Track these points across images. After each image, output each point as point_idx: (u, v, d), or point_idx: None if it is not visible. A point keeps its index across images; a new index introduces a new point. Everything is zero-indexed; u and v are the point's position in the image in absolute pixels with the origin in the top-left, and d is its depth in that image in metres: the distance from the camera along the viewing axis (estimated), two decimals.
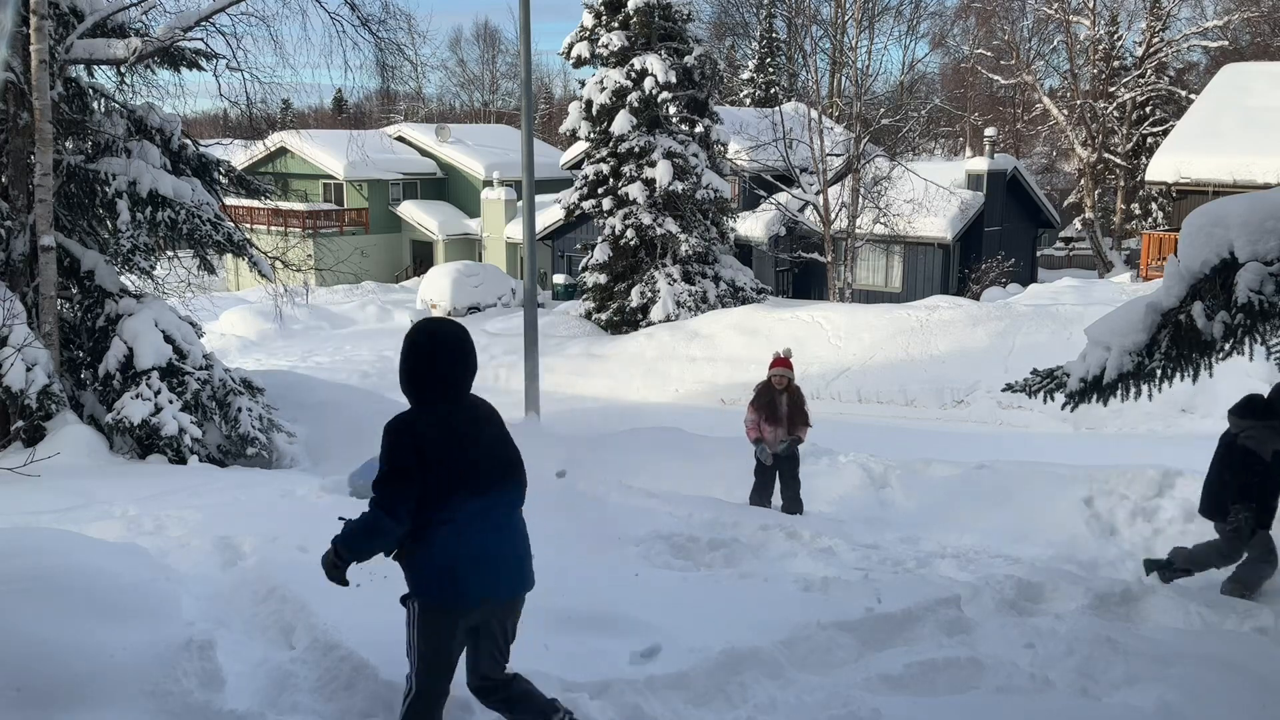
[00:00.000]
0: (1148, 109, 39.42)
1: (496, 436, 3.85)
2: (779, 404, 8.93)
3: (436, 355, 3.71)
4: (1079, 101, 37.85)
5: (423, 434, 3.65)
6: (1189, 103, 31.44)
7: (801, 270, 30.23)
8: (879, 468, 9.97)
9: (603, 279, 25.90)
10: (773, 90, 45.54)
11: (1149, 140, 38.52)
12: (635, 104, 24.77)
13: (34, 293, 10.83)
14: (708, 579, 5.99)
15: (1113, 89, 37.90)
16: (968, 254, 29.17)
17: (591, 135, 26.06)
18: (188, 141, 12.22)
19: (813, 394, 18.75)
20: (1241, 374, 14.99)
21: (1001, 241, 29.97)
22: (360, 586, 4.16)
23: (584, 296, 27.12)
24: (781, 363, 9.06)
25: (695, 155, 24.96)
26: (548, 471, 9.45)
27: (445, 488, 3.62)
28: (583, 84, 26.55)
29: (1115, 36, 39.63)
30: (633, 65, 25.02)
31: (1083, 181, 39.11)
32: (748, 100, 45.36)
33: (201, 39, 11.76)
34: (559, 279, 33.73)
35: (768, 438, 8.92)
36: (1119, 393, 5.39)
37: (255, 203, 16.70)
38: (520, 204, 23.72)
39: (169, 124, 11.96)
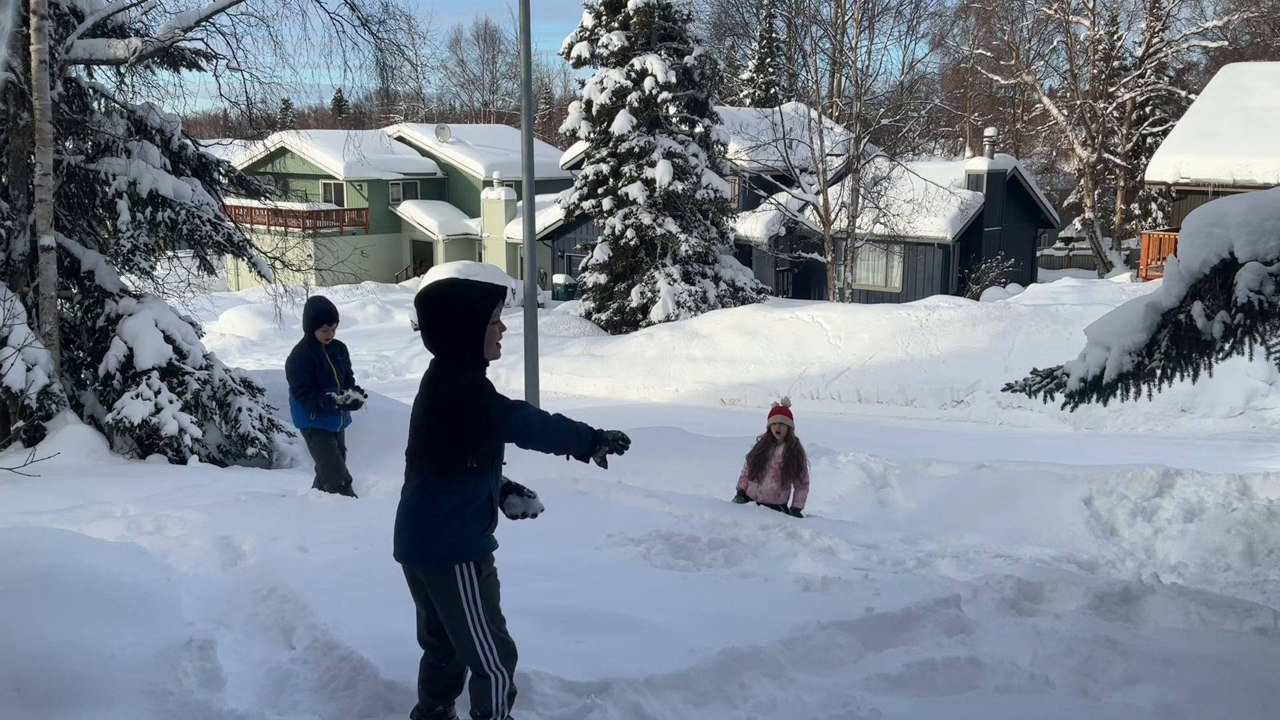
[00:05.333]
0: (1148, 109, 39.43)
1: (420, 409, 3.75)
2: (771, 455, 8.17)
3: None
4: (1079, 101, 37.86)
5: None
6: (1189, 103, 31.45)
7: (801, 270, 30.24)
8: (879, 468, 9.97)
9: (603, 279, 25.91)
10: (773, 90, 45.55)
11: (1149, 140, 38.53)
12: (635, 104, 24.78)
13: (34, 293, 10.83)
14: (708, 579, 5.98)
15: (1112, 89, 37.90)
16: (968, 254, 29.18)
17: (591, 135, 26.07)
18: (188, 141, 12.22)
19: (812, 394, 18.81)
20: (1241, 374, 15.06)
21: (1001, 241, 29.98)
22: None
23: (584, 296, 27.12)
24: (780, 411, 8.30)
25: (695, 155, 24.97)
26: (549, 472, 9.44)
27: None
28: (583, 84, 26.56)
29: (1115, 36, 39.65)
30: (633, 65, 25.03)
31: (1083, 181, 39.11)
32: (748, 100, 45.38)
33: (201, 39, 11.77)
34: (559, 279, 33.73)
35: (753, 494, 8.29)
36: (1119, 393, 5.38)
37: (255, 203, 16.70)
38: (520, 204, 23.72)
39: (169, 124, 11.96)
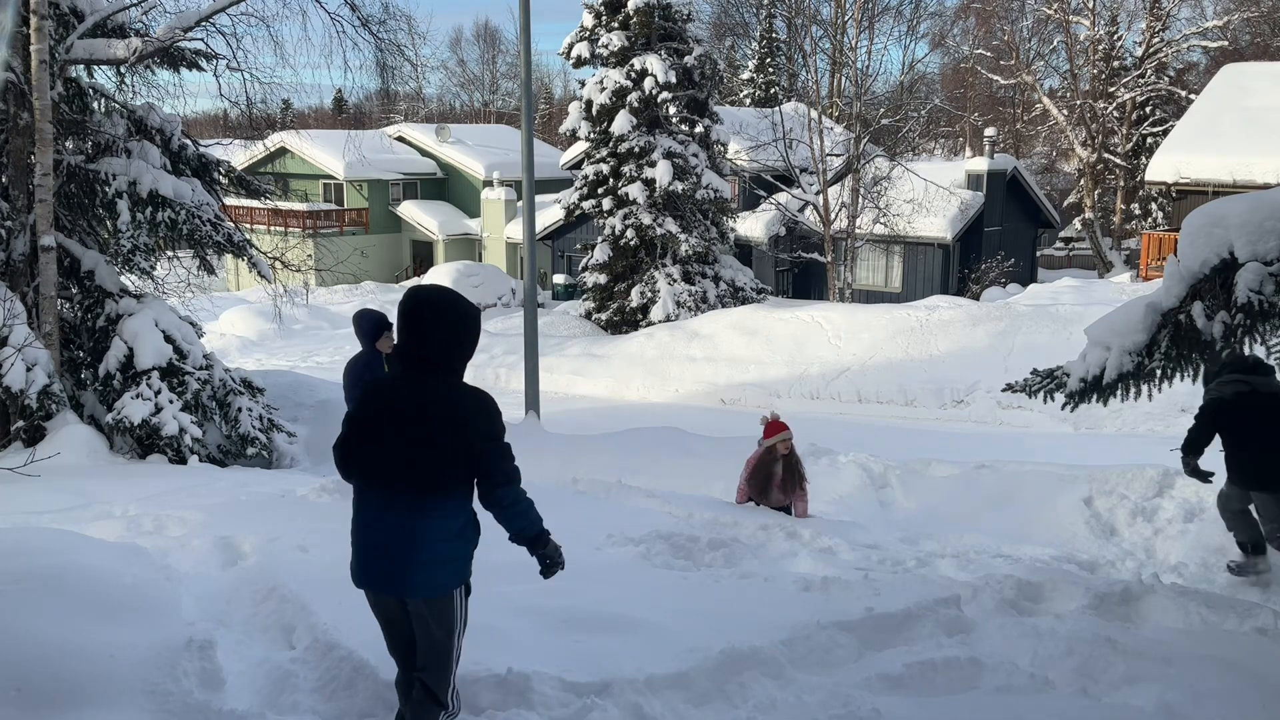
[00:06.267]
0: (1148, 109, 39.43)
1: (420, 435, 3.50)
2: (773, 474, 8.06)
3: (400, 316, 3.60)
4: (1079, 101, 37.87)
5: (366, 392, 3.72)
6: (1189, 103, 31.45)
7: (801, 270, 30.24)
8: (879, 468, 9.97)
9: (603, 279, 25.90)
10: (773, 90, 45.55)
11: (1149, 140, 38.53)
12: (635, 104, 24.77)
13: (34, 293, 10.83)
14: (708, 579, 5.99)
15: (1113, 89, 37.91)
16: (968, 254, 29.18)
17: (591, 135, 26.07)
18: (188, 142, 12.22)
19: (812, 394, 18.81)
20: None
21: (1001, 241, 29.98)
22: None
23: (584, 296, 27.13)
24: (781, 427, 8.13)
25: (695, 155, 24.97)
26: (546, 472, 9.45)
27: (355, 459, 3.66)
28: (583, 84, 26.55)
29: (1115, 36, 39.65)
30: (633, 65, 25.02)
31: (1083, 181, 39.12)
32: (748, 100, 45.37)
33: (201, 39, 11.77)
34: (559, 279, 33.74)
35: (761, 503, 8.24)
36: (1119, 393, 5.38)
37: (255, 203, 16.71)
38: (520, 204, 23.72)
39: (169, 124, 11.96)
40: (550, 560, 3.73)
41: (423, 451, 3.50)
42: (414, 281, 39.37)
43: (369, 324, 7.49)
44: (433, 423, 3.50)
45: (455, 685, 3.71)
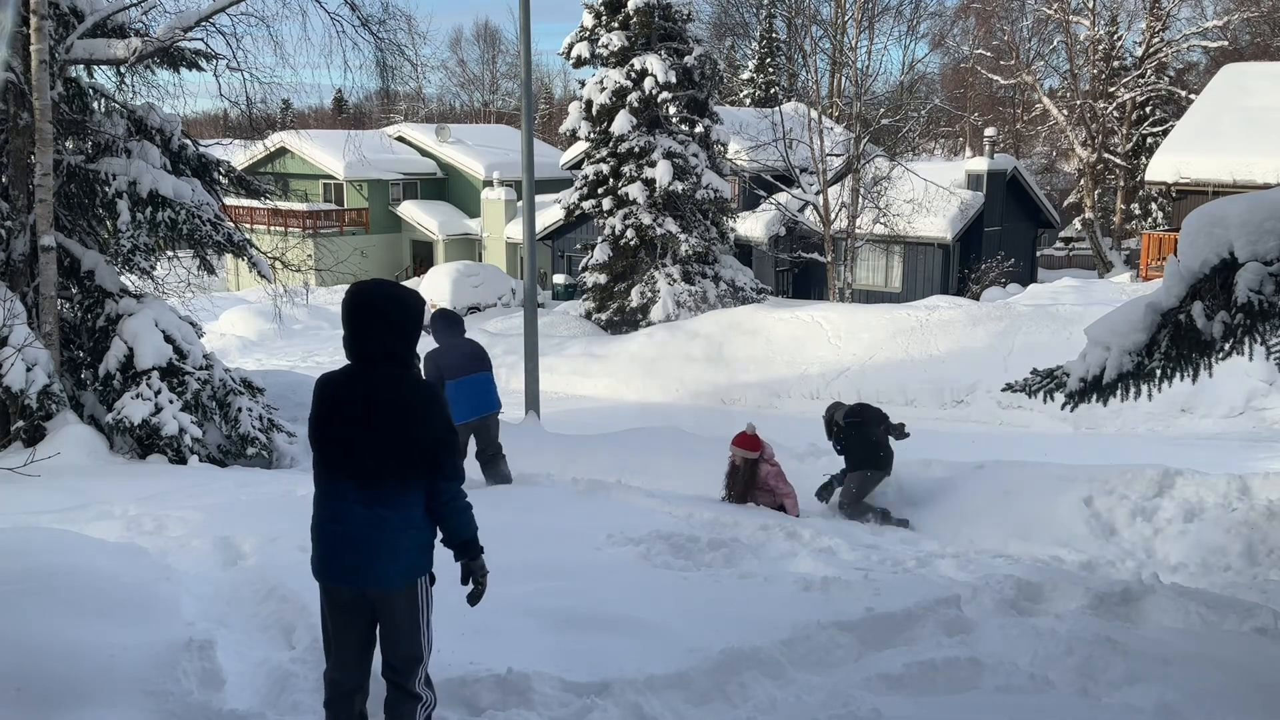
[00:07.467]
0: (1148, 109, 39.43)
1: (387, 425, 3.53)
2: (736, 481, 8.59)
3: (345, 312, 3.61)
4: (1079, 101, 37.86)
5: (320, 390, 3.66)
6: (1189, 103, 31.45)
7: (801, 270, 30.24)
8: None
9: (603, 279, 25.90)
10: (773, 90, 45.55)
11: (1149, 140, 38.53)
12: (635, 104, 24.76)
13: (34, 293, 10.83)
14: (708, 579, 5.99)
15: (1113, 89, 37.91)
16: (968, 254, 29.18)
17: (591, 135, 26.06)
18: (188, 141, 12.21)
19: (812, 394, 18.79)
20: (1241, 374, 15.05)
21: (1001, 241, 29.97)
22: None
23: (584, 296, 27.13)
24: (740, 439, 8.65)
25: (695, 155, 24.96)
26: (549, 469, 9.44)
27: (317, 455, 3.65)
28: (583, 84, 26.55)
29: (1115, 36, 39.66)
30: (633, 65, 25.02)
31: (1083, 181, 39.12)
32: (748, 100, 45.37)
33: (201, 39, 11.76)
34: (559, 279, 33.73)
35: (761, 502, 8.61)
36: (1119, 393, 5.38)
37: (255, 203, 16.70)
38: (520, 204, 23.71)
39: (169, 124, 11.96)
40: (477, 578, 3.69)
41: (384, 443, 3.54)
42: (414, 281, 39.36)
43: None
44: (390, 415, 3.53)
45: (427, 675, 3.70)
